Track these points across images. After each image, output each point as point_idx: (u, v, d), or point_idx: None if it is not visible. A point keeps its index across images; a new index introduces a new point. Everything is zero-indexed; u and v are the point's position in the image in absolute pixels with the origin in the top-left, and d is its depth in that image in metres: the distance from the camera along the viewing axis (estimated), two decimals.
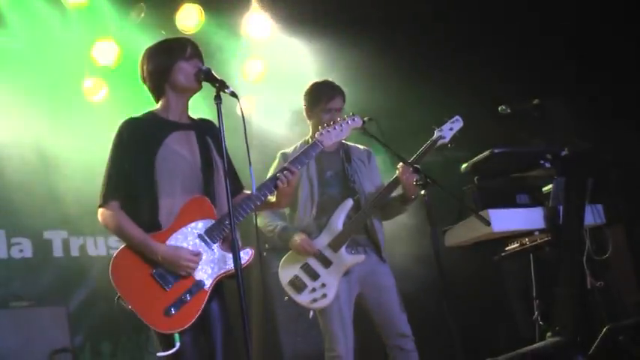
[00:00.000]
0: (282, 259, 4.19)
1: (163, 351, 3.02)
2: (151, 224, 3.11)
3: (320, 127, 3.56)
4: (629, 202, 5.06)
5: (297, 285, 4.07)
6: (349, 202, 4.14)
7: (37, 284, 5.91)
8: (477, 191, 4.24)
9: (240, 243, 2.98)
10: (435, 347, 4.50)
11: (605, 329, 4.00)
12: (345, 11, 6.03)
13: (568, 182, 4.23)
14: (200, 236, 3.14)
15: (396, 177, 4.08)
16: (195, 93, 3.32)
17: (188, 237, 3.12)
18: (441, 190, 3.72)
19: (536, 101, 4.45)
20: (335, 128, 3.55)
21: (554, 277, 4.21)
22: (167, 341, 3.01)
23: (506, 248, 4.52)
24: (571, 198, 4.18)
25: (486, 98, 5.01)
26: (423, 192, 3.67)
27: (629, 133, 5.09)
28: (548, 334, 4.13)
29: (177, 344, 2.99)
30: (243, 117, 3.06)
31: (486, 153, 4.28)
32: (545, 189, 4.41)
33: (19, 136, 5.80)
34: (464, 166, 4.42)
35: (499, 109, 4.45)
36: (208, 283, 3.10)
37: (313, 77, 4.60)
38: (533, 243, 4.34)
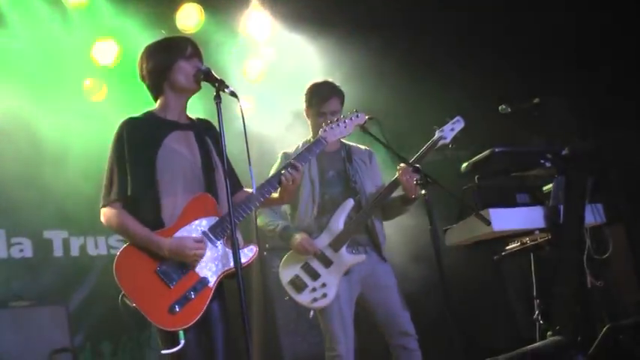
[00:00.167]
0: (283, 259, 4.19)
1: (165, 349, 3.02)
2: (155, 223, 3.11)
3: (324, 125, 3.55)
4: (630, 201, 5.07)
5: (298, 284, 4.06)
6: (350, 202, 4.14)
7: (37, 284, 5.91)
8: (477, 190, 4.24)
9: (241, 242, 2.98)
10: (435, 346, 4.50)
11: (605, 328, 3.99)
12: (347, 10, 6.03)
13: (568, 181, 4.22)
14: (204, 233, 3.14)
15: (396, 178, 4.08)
16: (194, 93, 3.32)
17: (192, 234, 3.12)
18: (441, 190, 3.72)
19: (536, 100, 4.45)
20: (339, 125, 3.55)
21: (554, 276, 4.21)
22: (171, 339, 3.01)
23: (507, 247, 4.52)
24: (571, 197, 4.17)
25: (487, 97, 5.01)
26: (423, 191, 3.67)
27: (630, 132, 5.09)
28: (549, 333, 4.13)
29: (182, 341, 2.99)
30: (242, 117, 3.06)
31: (487, 152, 4.27)
32: (545, 188, 4.41)
33: (20, 136, 5.80)
34: (464, 165, 4.42)
35: (500, 108, 4.45)
36: (212, 280, 3.10)
37: (315, 76, 4.59)
38: (534, 242, 4.33)
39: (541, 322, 4.37)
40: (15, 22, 5.56)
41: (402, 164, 4.00)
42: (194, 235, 3.12)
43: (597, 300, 4.39)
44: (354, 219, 4.13)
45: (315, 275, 4.06)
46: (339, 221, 4.11)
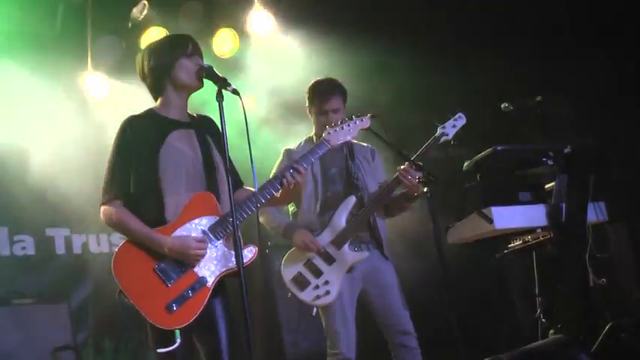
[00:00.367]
0: (285, 256, 4.18)
1: (160, 347, 3.01)
2: (158, 221, 3.11)
3: (328, 127, 3.53)
4: (632, 199, 5.06)
5: (301, 282, 4.06)
6: (352, 200, 4.13)
7: (40, 281, 5.91)
8: (479, 188, 4.24)
9: (241, 243, 2.97)
10: (437, 345, 4.49)
11: (607, 326, 3.99)
12: (349, 9, 6.03)
13: (570, 179, 4.22)
14: (204, 232, 3.13)
15: (397, 176, 4.05)
16: (195, 91, 3.32)
17: (192, 233, 3.11)
18: (443, 188, 3.71)
19: (538, 98, 4.45)
20: (343, 128, 3.48)
21: (556, 274, 4.21)
22: (166, 337, 3.00)
23: (509, 245, 4.52)
24: (573, 195, 4.17)
25: (489, 95, 5.00)
26: (425, 189, 3.66)
27: (632, 130, 5.08)
28: (551, 331, 4.13)
29: (178, 340, 2.98)
30: (245, 114, 3.05)
31: (489, 150, 4.27)
32: (547, 186, 4.40)
33: (21, 134, 5.80)
34: (466, 163, 4.41)
35: (502, 106, 4.45)
36: (211, 280, 3.09)
37: (315, 75, 4.58)
38: (536, 240, 4.33)
39: (543, 320, 4.37)
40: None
41: (403, 164, 3.98)
42: (194, 233, 3.11)
43: (599, 298, 4.38)
44: (357, 216, 4.12)
45: (317, 273, 4.06)
46: (341, 218, 4.11)
